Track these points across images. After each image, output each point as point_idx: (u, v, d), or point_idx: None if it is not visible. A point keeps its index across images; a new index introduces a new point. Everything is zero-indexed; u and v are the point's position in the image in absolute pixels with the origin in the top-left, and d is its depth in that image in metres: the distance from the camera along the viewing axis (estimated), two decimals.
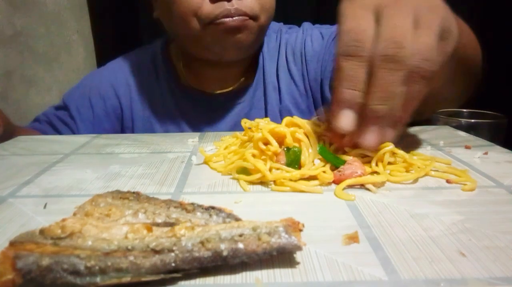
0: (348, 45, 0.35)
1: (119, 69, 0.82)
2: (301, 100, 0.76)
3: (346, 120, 0.37)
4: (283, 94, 0.77)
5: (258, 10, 0.65)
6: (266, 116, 0.76)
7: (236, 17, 0.63)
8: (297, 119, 0.42)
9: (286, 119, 0.43)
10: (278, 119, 0.73)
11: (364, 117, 0.37)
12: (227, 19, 0.63)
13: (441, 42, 0.35)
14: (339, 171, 0.38)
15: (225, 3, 0.62)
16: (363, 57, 0.35)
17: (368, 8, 0.36)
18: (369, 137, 0.37)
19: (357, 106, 0.36)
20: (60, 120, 0.79)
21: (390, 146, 0.40)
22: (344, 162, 0.39)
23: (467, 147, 0.50)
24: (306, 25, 0.82)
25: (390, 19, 0.34)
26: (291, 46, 0.79)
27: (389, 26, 0.34)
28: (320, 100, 0.76)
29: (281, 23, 0.85)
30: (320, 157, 0.40)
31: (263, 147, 0.40)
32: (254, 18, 0.65)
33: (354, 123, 0.37)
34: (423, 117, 0.63)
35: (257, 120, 0.45)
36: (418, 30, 0.34)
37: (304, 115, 0.74)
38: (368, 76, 0.35)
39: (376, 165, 0.40)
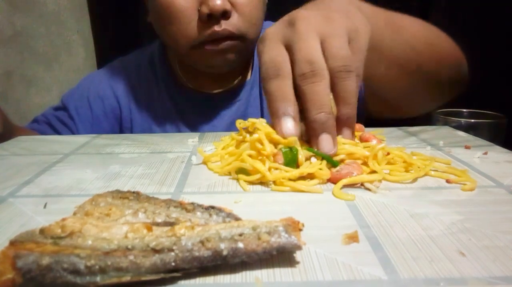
0: (268, 71, 0.40)
1: (118, 70, 0.82)
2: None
3: (287, 125, 0.39)
4: None
5: (245, 28, 0.66)
6: (262, 114, 0.77)
7: (224, 43, 0.65)
8: None
9: None
10: None
11: (312, 130, 0.40)
12: (214, 46, 0.65)
13: (352, 42, 0.40)
14: (337, 171, 0.39)
15: (214, 25, 0.63)
16: (285, 76, 0.39)
17: (278, 41, 0.40)
18: (325, 144, 0.40)
19: (294, 113, 0.39)
20: (59, 120, 0.79)
21: (382, 144, 0.41)
22: (336, 162, 0.40)
23: (467, 147, 0.50)
24: None
25: (297, 44, 0.39)
26: None
27: (298, 50, 0.39)
28: None
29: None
30: (316, 155, 0.40)
31: (260, 146, 0.40)
32: (241, 38, 0.66)
33: (296, 127, 0.40)
34: (400, 117, 0.64)
35: (250, 120, 0.45)
36: (325, 42, 0.39)
37: None
38: (296, 94, 0.39)
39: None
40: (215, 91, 0.78)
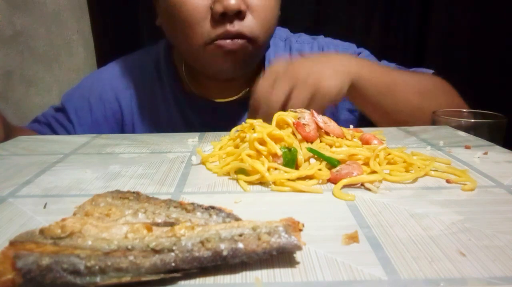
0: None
1: (121, 72, 0.80)
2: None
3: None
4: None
5: (258, 31, 0.65)
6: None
7: (236, 40, 0.64)
8: (287, 116, 0.44)
9: (278, 115, 0.44)
10: None
11: None
12: (226, 41, 0.64)
13: (313, 97, 0.56)
14: (337, 171, 0.39)
15: (227, 24, 0.63)
16: None
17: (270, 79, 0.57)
18: None
19: None
20: (58, 122, 0.79)
21: (383, 145, 0.41)
22: (337, 161, 0.40)
23: (467, 147, 0.50)
24: (321, 40, 0.83)
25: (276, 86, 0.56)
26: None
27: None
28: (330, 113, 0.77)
29: (287, 30, 0.85)
30: (315, 156, 0.41)
31: (260, 147, 0.40)
32: (252, 40, 0.66)
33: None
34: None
35: (248, 121, 0.46)
36: (294, 91, 0.55)
37: None
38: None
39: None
40: (221, 100, 0.77)
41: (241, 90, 0.77)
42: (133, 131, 0.78)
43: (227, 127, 0.75)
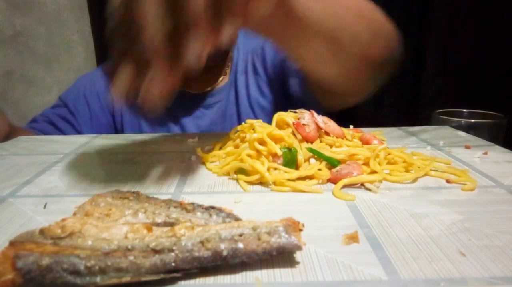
0: None
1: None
2: (266, 90, 0.80)
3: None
4: (250, 87, 0.82)
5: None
6: (238, 110, 0.81)
7: None
8: (287, 116, 0.43)
9: (278, 115, 0.44)
10: (249, 112, 0.79)
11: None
12: None
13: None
14: (337, 171, 0.39)
15: None
16: None
17: None
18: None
19: None
20: (60, 117, 0.81)
21: (383, 145, 0.41)
22: (337, 161, 0.40)
23: (467, 147, 0.50)
24: None
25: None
26: (253, 42, 0.84)
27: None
28: (281, 82, 0.79)
29: None
30: (315, 156, 0.41)
31: (260, 147, 0.40)
32: None
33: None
34: (331, 107, 0.64)
35: (248, 121, 0.46)
36: None
37: (271, 102, 0.80)
38: None
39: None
40: (198, 91, 0.82)
41: (215, 81, 0.83)
42: (121, 119, 0.82)
43: (203, 114, 0.81)
